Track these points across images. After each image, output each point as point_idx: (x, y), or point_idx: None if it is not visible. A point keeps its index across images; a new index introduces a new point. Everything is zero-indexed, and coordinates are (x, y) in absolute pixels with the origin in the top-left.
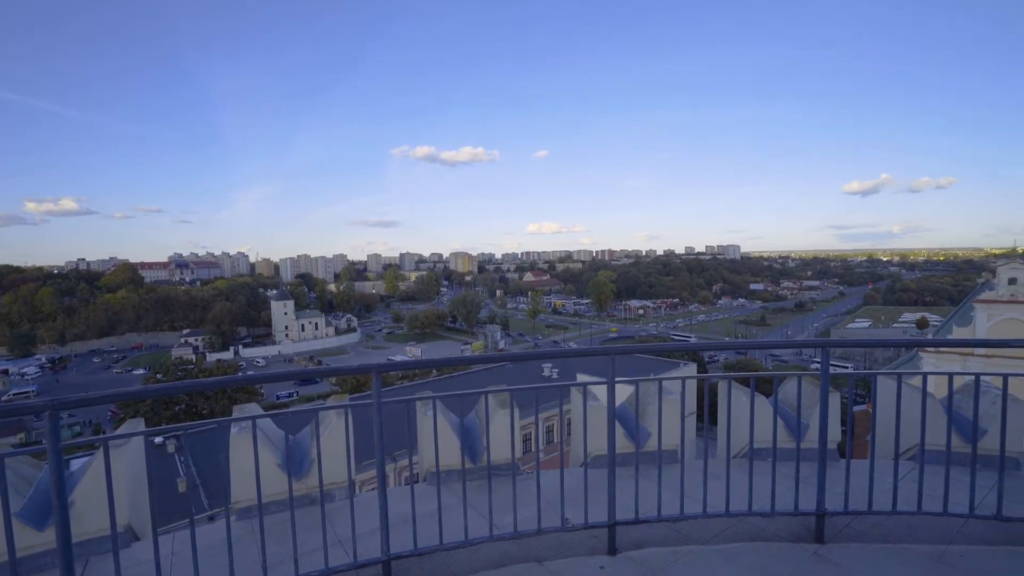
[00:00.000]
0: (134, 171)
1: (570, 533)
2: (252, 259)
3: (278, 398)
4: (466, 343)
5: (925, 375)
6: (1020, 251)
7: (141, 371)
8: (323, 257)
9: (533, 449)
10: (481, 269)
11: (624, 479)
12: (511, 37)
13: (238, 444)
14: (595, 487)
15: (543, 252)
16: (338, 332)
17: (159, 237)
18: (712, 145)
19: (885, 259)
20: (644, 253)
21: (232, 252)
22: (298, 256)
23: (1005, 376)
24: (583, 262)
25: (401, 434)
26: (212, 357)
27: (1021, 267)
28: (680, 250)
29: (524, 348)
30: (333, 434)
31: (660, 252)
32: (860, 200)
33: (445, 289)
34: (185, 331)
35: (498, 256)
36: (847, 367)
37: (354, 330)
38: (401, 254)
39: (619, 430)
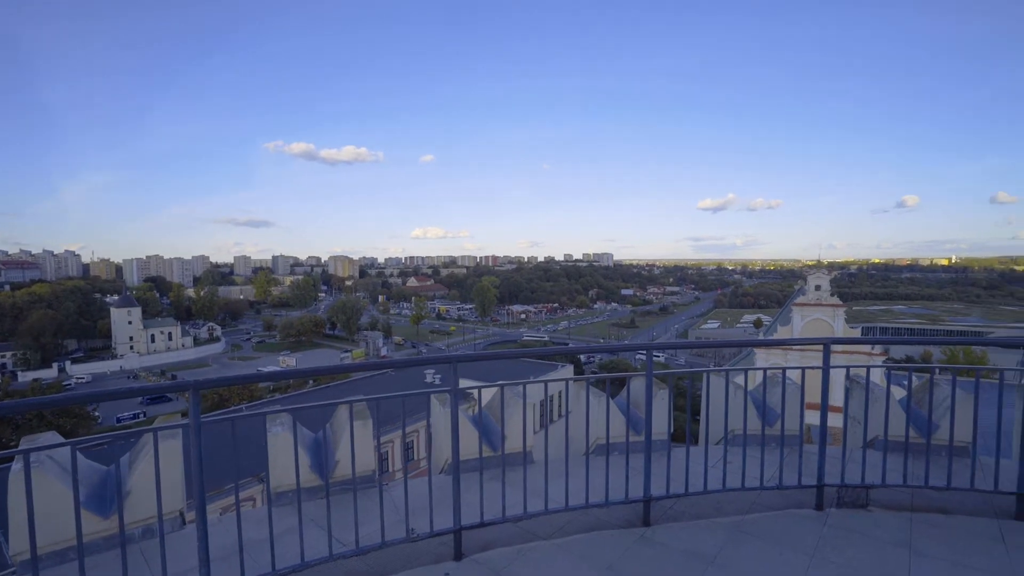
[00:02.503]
0: None
1: (416, 543)
2: (86, 259)
3: (119, 420)
4: (346, 351)
5: (731, 371)
6: (825, 263)
7: None
8: (180, 259)
9: (408, 460)
10: (363, 274)
11: (480, 482)
12: (398, 37)
13: (18, 483)
14: (447, 494)
15: (428, 257)
16: (198, 343)
17: None
18: (589, 158)
19: (731, 268)
20: (526, 259)
21: (58, 251)
22: (148, 257)
23: (784, 368)
24: (467, 268)
25: (253, 454)
26: (27, 376)
27: (824, 276)
28: (560, 257)
29: (408, 355)
30: (163, 460)
31: (541, 259)
32: (711, 215)
33: (323, 295)
34: None
35: (381, 261)
36: (704, 366)
37: (217, 340)
38: (274, 256)
39: (477, 435)
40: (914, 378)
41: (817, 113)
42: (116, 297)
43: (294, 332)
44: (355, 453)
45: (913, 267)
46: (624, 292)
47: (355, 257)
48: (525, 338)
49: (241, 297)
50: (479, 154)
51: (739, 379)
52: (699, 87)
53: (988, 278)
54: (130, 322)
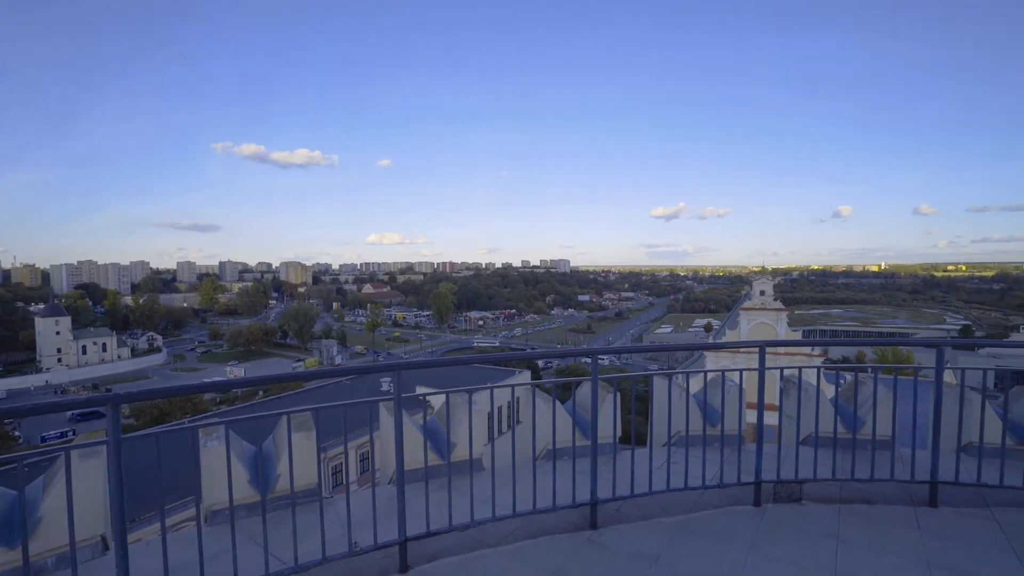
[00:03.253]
0: None
1: (360, 557)
2: (7, 264)
3: (43, 439)
4: (298, 360)
5: (674, 374)
6: (769, 269)
7: None
8: (116, 264)
9: (364, 471)
10: (316, 280)
11: (430, 491)
12: (354, 36)
13: None
14: (393, 505)
15: (384, 263)
16: (136, 354)
17: None
18: (547, 166)
19: (683, 274)
20: (484, 266)
21: None
22: (79, 263)
23: (719, 372)
24: (425, 274)
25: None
26: None
27: (768, 281)
28: (518, 263)
29: (364, 362)
30: (86, 481)
31: (499, 265)
32: (664, 223)
33: (275, 302)
34: None
35: (335, 267)
36: (655, 368)
37: (158, 350)
38: (221, 262)
39: (425, 443)
40: (851, 377)
41: (763, 125)
42: (42, 306)
43: (243, 341)
44: (297, 466)
45: (848, 273)
46: (581, 298)
47: (308, 263)
48: (476, 344)
49: (185, 305)
50: (437, 160)
51: (687, 382)
52: (651, 98)
53: (912, 283)
54: (58, 332)
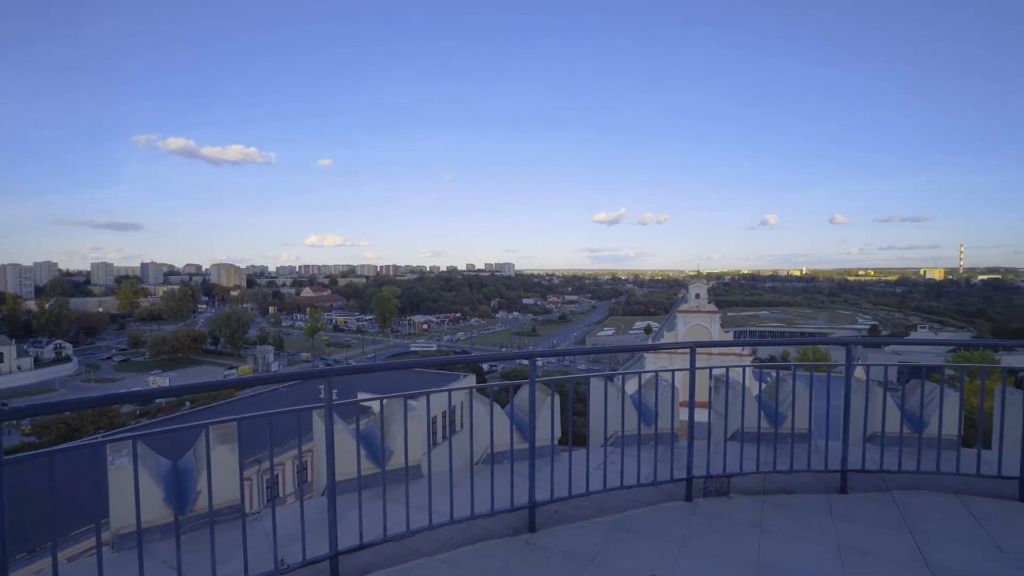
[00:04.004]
0: None
1: (287, 575)
2: None
3: None
4: (230, 367)
5: (610, 375)
6: (704, 273)
7: None
8: (17, 265)
9: (303, 481)
10: (251, 283)
11: (365, 501)
12: (293, 30)
13: None
14: (324, 518)
15: (324, 266)
16: (40, 364)
17: None
18: (491, 170)
19: (624, 278)
20: (428, 269)
21: None
22: None
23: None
24: (367, 277)
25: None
26: None
27: (703, 285)
28: (462, 266)
29: (305, 368)
30: None
31: (443, 268)
32: (606, 228)
33: (204, 306)
34: None
35: (272, 270)
36: (598, 370)
37: (68, 359)
38: (143, 264)
39: (360, 451)
40: (779, 375)
41: (700, 131)
42: None
43: (167, 348)
44: (219, 481)
45: (774, 277)
46: (525, 301)
47: (242, 265)
48: (412, 348)
49: (100, 310)
50: (381, 161)
51: (629, 382)
52: (593, 106)
53: (830, 287)
54: None
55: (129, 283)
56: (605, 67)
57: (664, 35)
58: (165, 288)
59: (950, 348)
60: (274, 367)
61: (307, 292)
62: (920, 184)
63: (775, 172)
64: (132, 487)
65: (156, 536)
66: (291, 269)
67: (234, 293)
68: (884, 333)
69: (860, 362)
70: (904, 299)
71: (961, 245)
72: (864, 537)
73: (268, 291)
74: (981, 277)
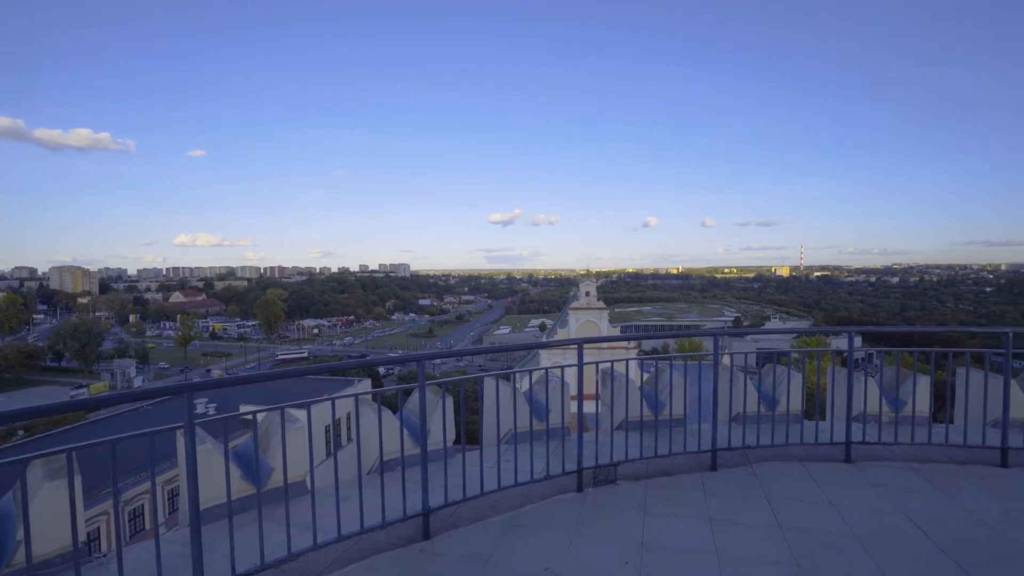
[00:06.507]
0: None
1: None
2: None
3: None
4: (80, 386)
5: (500, 374)
6: (593, 272)
7: None
8: None
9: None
10: (105, 289)
11: (240, 526)
12: (167, 8)
13: None
14: (188, 552)
15: (198, 268)
16: None
17: None
18: (384, 168)
19: (519, 277)
20: (319, 270)
21: None
22: None
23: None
24: (249, 279)
25: None
26: None
27: (592, 283)
28: (355, 267)
29: (176, 382)
30: None
31: (335, 269)
32: (501, 228)
33: (42, 316)
34: None
35: (132, 272)
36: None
37: None
38: None
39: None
40: (658, 366)
41: (588, 136)
42: None
43: None
44: (44, 525)
45: (655, 275)
46: (422, 302)
47: (93, 268)
48: (280, 356)
49: None
50: (264, 154)
51: (514, 380)
52: (494, 107)
53: (701, 284)
54: None
55: None
56: (500, 71)
57: (550, 41)
58: None
59: (795, 335)
60: (137, 383)
61: (177, 297)
62: (770, 193)
63: (654, 178)
64: None
65: None
66: (157, 272)
67: (83, 300)
68: (745, 324)
69: (726, 351)
70: (760, 293)
71: (801, 247)
72: (730, 509)
73: (128, 297)
74: (816, 274)
